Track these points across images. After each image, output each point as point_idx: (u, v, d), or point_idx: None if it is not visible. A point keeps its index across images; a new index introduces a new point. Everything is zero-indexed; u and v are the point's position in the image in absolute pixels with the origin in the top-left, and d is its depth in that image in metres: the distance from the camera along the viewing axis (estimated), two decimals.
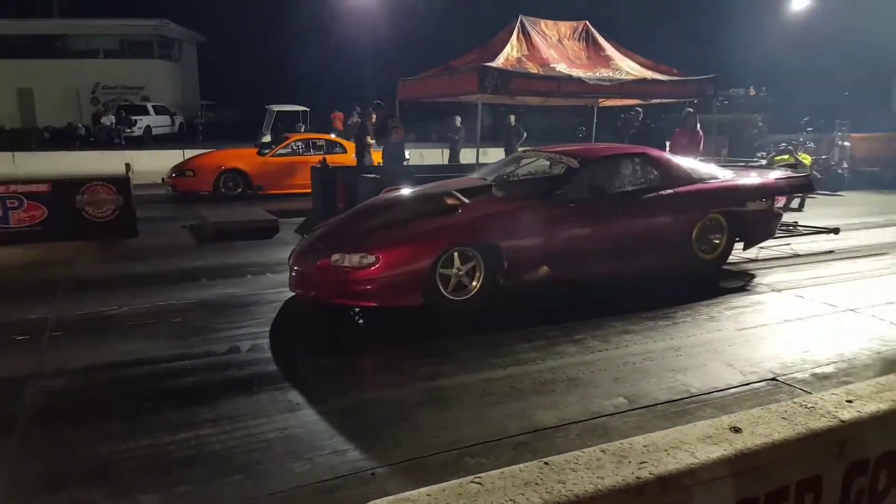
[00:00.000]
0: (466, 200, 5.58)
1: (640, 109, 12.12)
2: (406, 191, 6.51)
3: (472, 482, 1.25)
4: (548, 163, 6.60)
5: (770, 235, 7.10)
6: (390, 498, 1.21)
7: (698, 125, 10.37)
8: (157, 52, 36.48)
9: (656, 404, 3.68)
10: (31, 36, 34.81)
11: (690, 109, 10.67)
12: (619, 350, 4.53)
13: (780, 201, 7.34)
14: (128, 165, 9.64)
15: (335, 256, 5.07)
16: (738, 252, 7.06)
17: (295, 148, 13.33)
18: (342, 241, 5.28)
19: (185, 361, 4.37)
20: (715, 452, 1.37)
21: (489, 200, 5.84)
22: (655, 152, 6.88)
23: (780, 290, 6.07)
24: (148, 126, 29.14)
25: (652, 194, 6.14)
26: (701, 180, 6.50)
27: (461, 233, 5.31)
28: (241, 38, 38.06)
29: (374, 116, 12.06)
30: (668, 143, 10.82)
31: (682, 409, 3.62)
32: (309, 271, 5.26)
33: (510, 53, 9.65)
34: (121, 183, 8.87)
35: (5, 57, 34.15)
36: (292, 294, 5.57)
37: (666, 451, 1.36)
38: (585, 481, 1.24)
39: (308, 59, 30.52)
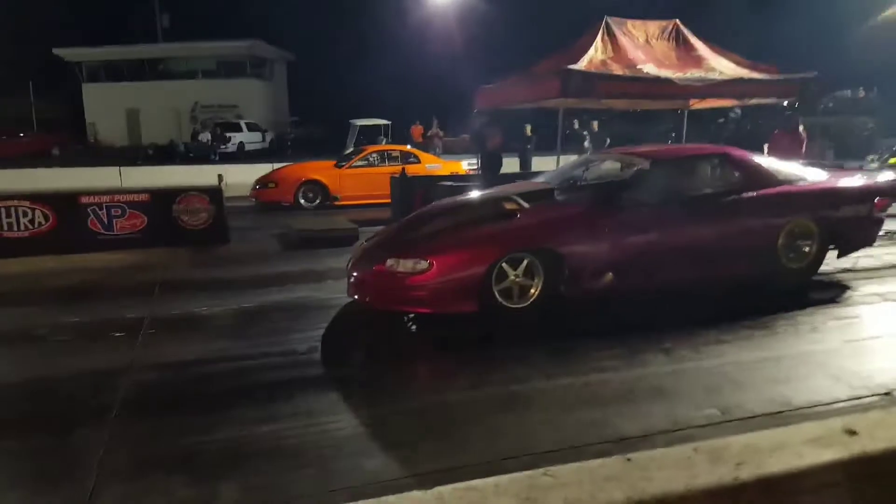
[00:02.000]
0: (526, 205, 5.38)
1: (738, 111, 11.44)
2: (467, 196, 6.40)
3: (545, 475, 1.15)
4: (619, 165, 6.28)
5: (869, 243, 6.42)
6: (457, 485, 1.13)
7: (801, 126, 9.71)
8: (250, 72, 38.23)
9: (753, 416, 3.41)
10: (137, 60, 37.40)
11: (790, 111, 10.04)
12: (711, 360, 4.25)
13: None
14: (220, 176, 10.07)
15: (389, 262, 4.96)
16: (834, 261, 6.46)
17: (371, 160, 13.58)
18: (397, 247, 5.19)
19: (267, 359, 4.47)
20: (825, 455, 1.21)
21: (550, 205, 5.60)
22: (737, 152, 6.36)
23: (892, 301, 5.57)
24: (241, 142, 30.50)
25: (731, 197, 5.72)
26: (788, 182, 5.98)
27: (518, 238, 5.10)
28: (328, 56, 39.44)
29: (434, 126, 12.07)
30: (766, 147, 10.23)
31: (782, 422, 3.34)
32: (365, 277, 5.18)
33: (594, 56, 9.40)
34: (213, 193, 9.25)
35: (115, 80, 36.84)
36: None
37: (769, 451, 1.21)
38: (674, 480, 1.11)
39: (391, 75, 31.18)
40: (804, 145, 9.54)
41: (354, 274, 5.32)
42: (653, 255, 5.38)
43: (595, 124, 14.75)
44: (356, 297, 5.32)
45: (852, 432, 1.28)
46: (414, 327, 5.15)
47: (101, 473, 2.95)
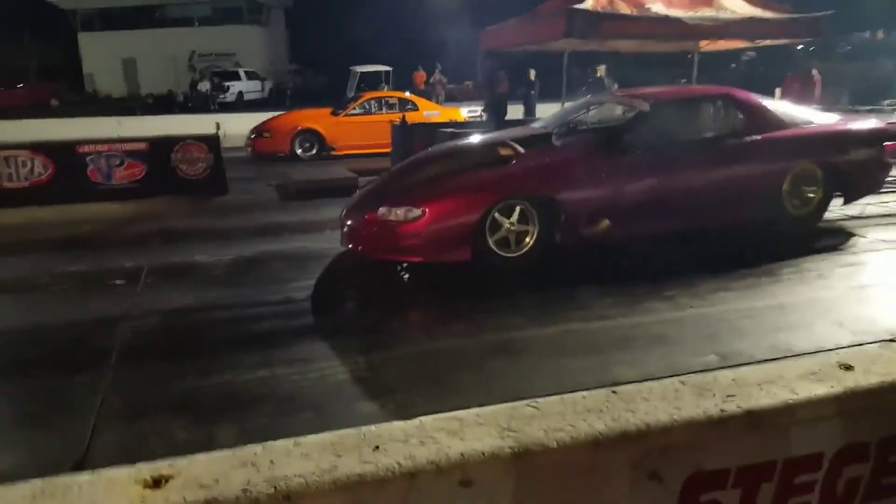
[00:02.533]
0: (521, 150, 5.25)
1: (752, 54, 11.04)
2: (462, 141, 6.27)
3: (528, 406, 1.13)
4: (620, 108, 6.10)
5: (875, 189, 6.26)
6: (439, 415, 1.12)
7: (814, 69, 9.42)
8: (247, 18, 37.39)
9: (752, 363, 3.39)
10: (133, 7, 36.56)
11: (804, 54, 9.71)
12: (713, 308, 4.20)
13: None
14: (217, 125, 9.91)
15: (382, 210, 4.85)
16: (840, 207, 6.37)
17: (367, 107, 13.26)
18: (390, 195, 5.08)
19: (264, 307, 4.46)
20: (819, 389, 1.18)
21: (546, 150, 5.45)
22: (740, 93, 6.11)
23: None
24: (240, 92, 30.06)
25: (733, 141, 5.55)
26: (794, 125, 5.78)
27: (512, 185, 4.97)
28: (327, 1, 38.40)
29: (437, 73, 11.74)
30: (777, 91, 9.99)
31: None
32: (357, 226, 5.08)
33: None
34: (211, 142, 9.12)
35: (110, 29, 36.10)
36: None
37: (759, 385, 1.18)
38: (659, 411, 1.09)
39: (391, 19, 30.43)
40: (817, 89, 9.28)
41: (348, 223, 5.21)
42: (651, 201, 5.25)
43: (602, 68, 14.30)
44: (350, 246, 5.23)
45: (847, 367, 1.25)
46: (410, 276, 5.12)
47: (99, 417, 2.96)
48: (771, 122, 5.72)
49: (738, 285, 4.60)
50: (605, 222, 5.08)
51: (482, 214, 4.79)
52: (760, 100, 6.02)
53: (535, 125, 6.62)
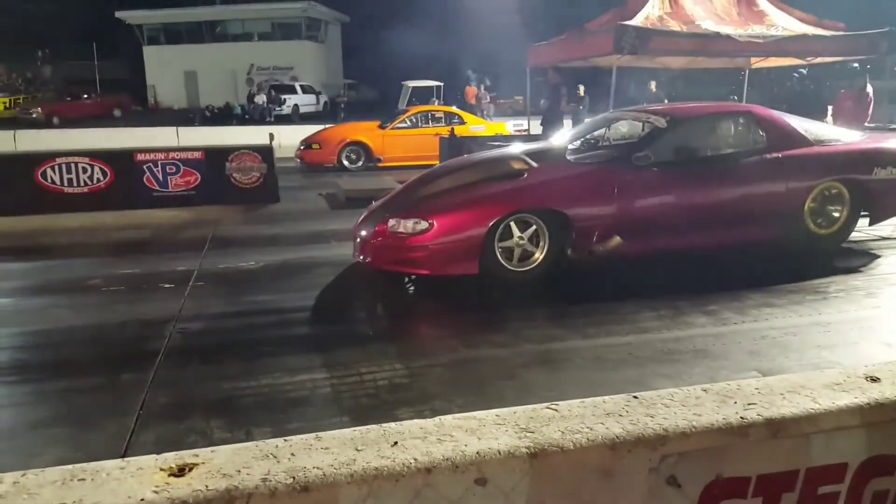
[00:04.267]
0: (534, 164, 5.20)
1: (803, 71, 10.80)
2: (476, 155, 6.25)
3: (548, 408, 1.13)
4: (638, 124, 6.01)
5: None
6: (459, 415, 1.13)
7: (868, 87, 9.13)
8: (305, 34, 38.34)
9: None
10: (195, 23, 37.95)
11: (856, 65, 9.44)
12: (756, 323, 4.11)
13: None
14: (271, 135, 10.19)
15: (391, 222, 4.86)
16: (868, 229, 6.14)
17: (414, 121, 13.50)
18: (400, 207, 5.07)
19: (309, 313, 4.56)
20: (843, 400, 1.15)
21: (559, 164, 5.40)
22: (762, 110, 5.98)
23: None
24: (296, 104, 30.76)
25: (753, 158, 5.40)
26: (819, 143, 5.61)
27: (522, 198, 4.91)
28: (382, 18, 39.07)
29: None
30: (829, 109, 9.72)
31: None
32: (367, 237, 5.07)
33: (650, 12, 9.01)
34: (265, 152, 9.38)
35: (174, 43, 37.53)
36: None
37: (782, 394, 1.16)
38: (678, 416, 1.08)
39: (444, 36, 30.74)
40: (871, 107, 8.98)
41: (360, 234, 5.20)
42: (664, 219, 5.17)
43: (653, 84, 14.13)
44: (360, 258, 5.21)
45: (874, 379, 1.22)
46: (452, 286, 5.14)
47: (142, 414, 3.07)
48: (794, 139, 5.57)
49: (782, 301, 4.49)
50: (617, 239, 4.99)
51: (490, 228, 4.74)
52: (784, 117, 5.87)
53: (557, 139, 6.58)
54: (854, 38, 9.60)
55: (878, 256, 5.68)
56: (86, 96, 30.86)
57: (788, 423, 1.10)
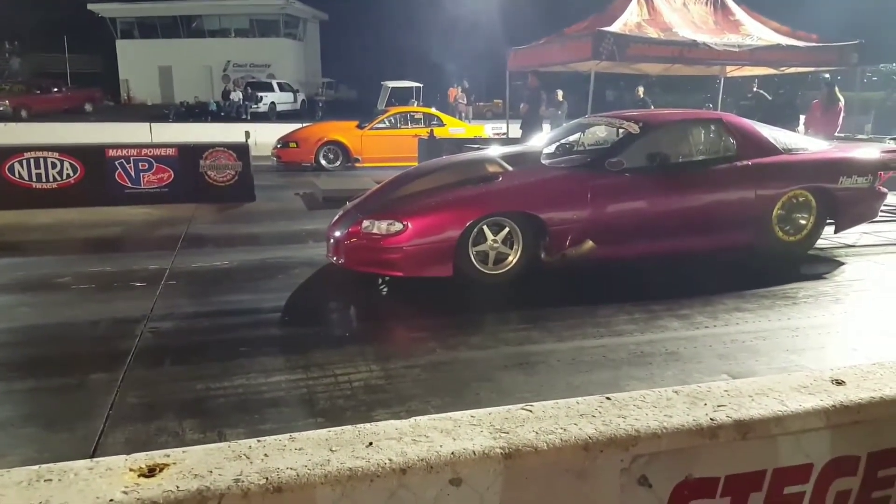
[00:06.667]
0: (509, 167, 5.26)
1: (759, 91, 10.94)
2: (452, 157, 6.28)
3: (523, 409, 1.14)
4: (611, 130, 6.11)
5: (869, 218, 6.17)
6: (435, 416, 1.14)
7: (839, 97, 9.33)
8: (283, 31, 38.04)
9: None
10: (171, 17, 37.43)
11: (827, 76, 9.64)
12: (728, 327, 4.19)
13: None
14: (247, 133, 10.10)
15: (365, 223, 4.86)
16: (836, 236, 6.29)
17: (392, 121, 13.50)
18: (374, 208, 5.08)
19: (284, 313, 4.52)
20: (809, 402, 1.18)
21: (534, 168, 5.46)
22: (733, 118, 6.14)
23: None
24: (273, 102, 30.52)
25: (723, 165, 5.53)
26: (788, 151, 5.74)
27: (496, 202, 4.95)
28: (361, 17, 39.01)
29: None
30: (802, 118, 9.91)
31: None
32: (341, 238, 5.05)
33: (629, 19, 9.15)
34: (240, 150, 9.28)
35: (148, 37, 36.97)
36: None
37: (750, 397, 1.19)
38: (650, 418, 1.10)
39: (424, 36, 30.73)
40: (840, 117, 9.19)
41: (334, 234, 5.18)
42: (636, 223, 5.25)
43: (641, 90, 14.18)
44: (333, 258, 5.20)
45: (839, 382, 1.25)
46: (430, 287, 5.15)
47: (112, 414, 3.02)
48: (763, 147, 5.69)
49: (753, 306, 4.58)
50: (589, 243, 5.05)
51: (465, 230, 4.77)
52: (754, 125, 6.00)
53: (534, 144, 6.64)
54: (826, 49, 9.86)
55: (844, 264, 5.82)
56: (56, 90, 30.25)
57: (757, 424, 1.13)
